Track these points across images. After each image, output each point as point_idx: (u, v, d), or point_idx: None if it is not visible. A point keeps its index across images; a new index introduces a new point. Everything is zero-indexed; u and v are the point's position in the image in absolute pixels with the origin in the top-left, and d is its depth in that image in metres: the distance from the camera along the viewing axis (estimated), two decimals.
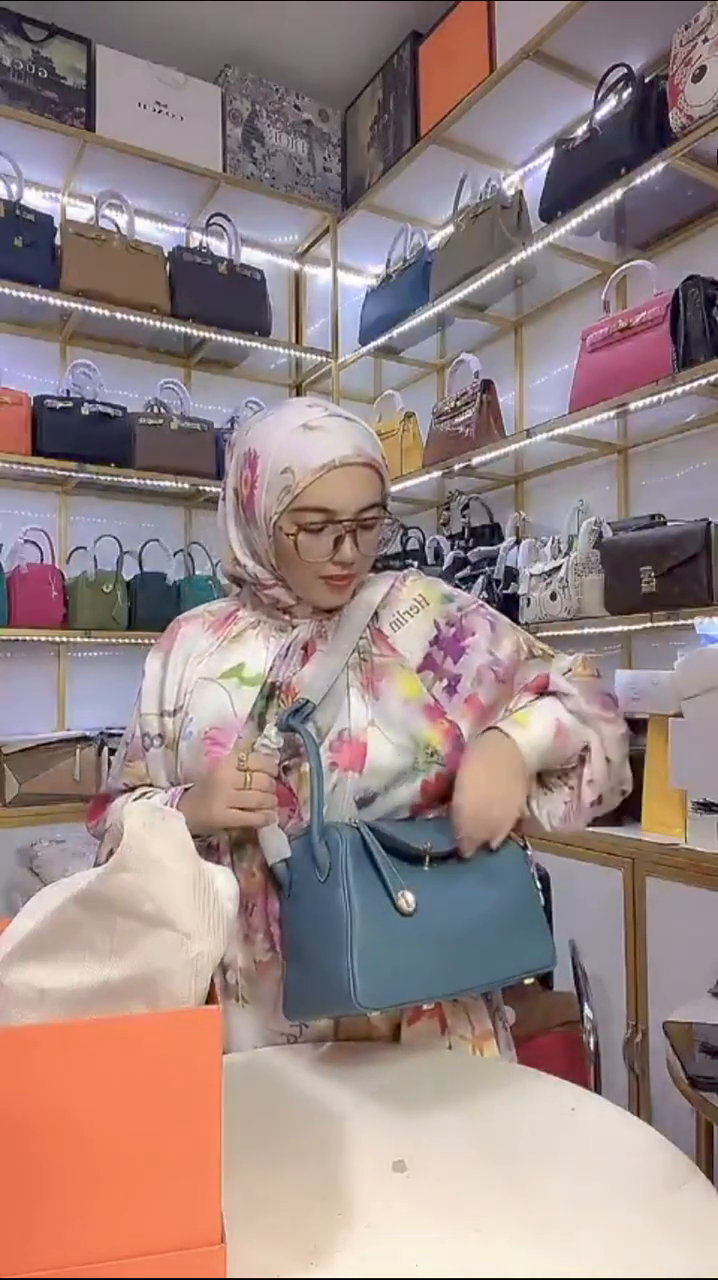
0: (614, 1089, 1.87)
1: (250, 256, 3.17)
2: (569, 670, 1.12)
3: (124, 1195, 0.54)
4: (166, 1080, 0.55)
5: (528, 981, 1.10)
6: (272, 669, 1.06)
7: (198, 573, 3.02)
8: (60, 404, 2.68)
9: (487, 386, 2.66)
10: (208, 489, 2.93)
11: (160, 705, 1.10)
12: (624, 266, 2.28)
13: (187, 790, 1.04)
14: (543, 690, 1.07)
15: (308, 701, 1.00)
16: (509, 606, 2.52)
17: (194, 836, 0.98)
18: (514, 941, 0.94)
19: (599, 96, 2.26)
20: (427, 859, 0.92)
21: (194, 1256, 0.55)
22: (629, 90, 2.18)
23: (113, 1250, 0.54)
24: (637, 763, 2.00)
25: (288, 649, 1.08)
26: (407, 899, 0.87)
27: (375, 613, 1.11)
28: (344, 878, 0.88)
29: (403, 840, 0.92)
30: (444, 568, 2.78)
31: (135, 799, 1.08)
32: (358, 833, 0.92)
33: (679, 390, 2.00)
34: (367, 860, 0.89)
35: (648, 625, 2.10)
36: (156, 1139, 0.55)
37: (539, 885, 1.01)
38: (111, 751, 2.66)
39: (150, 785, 1.11)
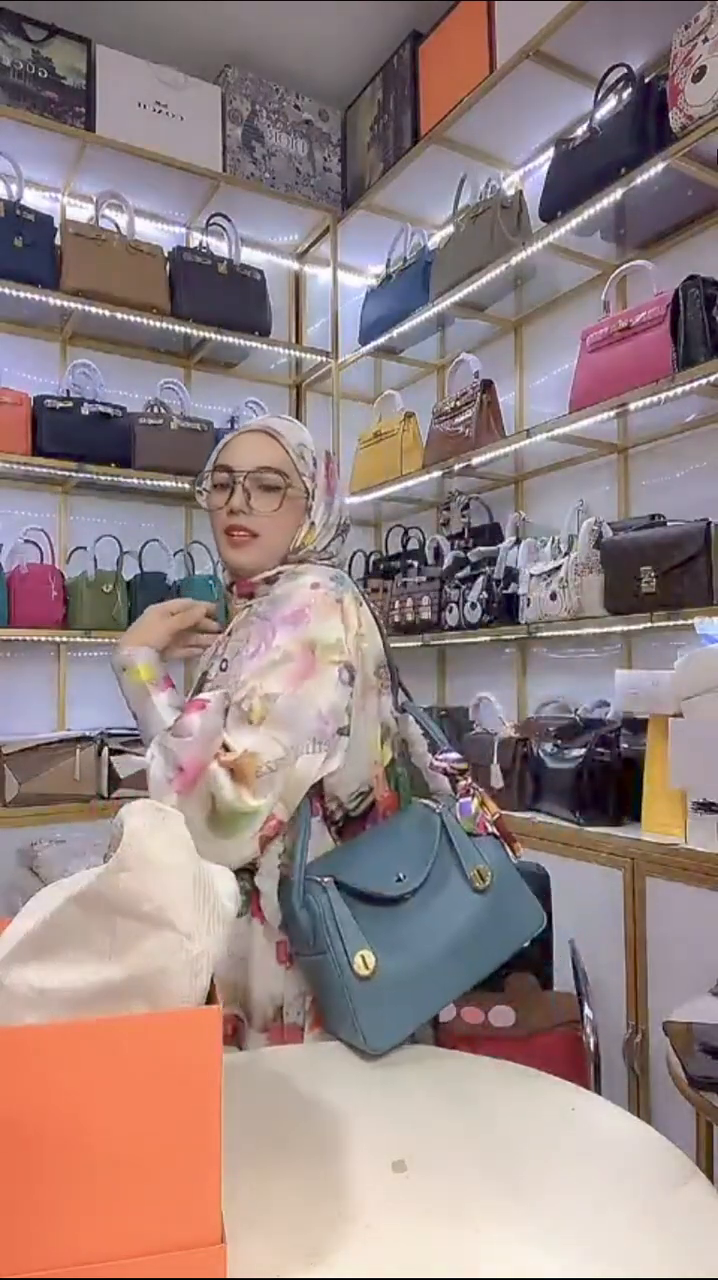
0: (614, 1089, 1.86)
1: (250, 256, 3.16)
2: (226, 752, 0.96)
3: (124, 1195, 0.54)
4: (166, 1080, 0.55)
5: (530, 982, 1.11)
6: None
7: (198, 573, 3.02)
8: (60, 404, 2.68)
9: (487, 386, 2.66)
10: None
11: None
12: (624, 266, 2.28)
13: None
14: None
15: None
16: (509, 606, 2.52)
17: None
18: (499, 929, 1.00)
19: (599, 96, 2.26)
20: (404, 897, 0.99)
21: (194, 1256, 0.55)
22: (629, 90, 2.18)
23: (113, 1250, 0.54)
24: (636, 763, 2.03)
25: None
26: (365, 961, 0.92)
27: None
28: (329, 943, 0.94)
29: (375, 890, 0.97)
30: (444, 568, 2.78)
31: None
32: (326, 896, 0.96)
33: (679, 390, 2.00)
34: (349, 913, 0.95)
35: (648, 625, 2.10)
36: (156, 1139, 0.55)
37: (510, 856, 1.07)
38: (112, 752, 2.67)
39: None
